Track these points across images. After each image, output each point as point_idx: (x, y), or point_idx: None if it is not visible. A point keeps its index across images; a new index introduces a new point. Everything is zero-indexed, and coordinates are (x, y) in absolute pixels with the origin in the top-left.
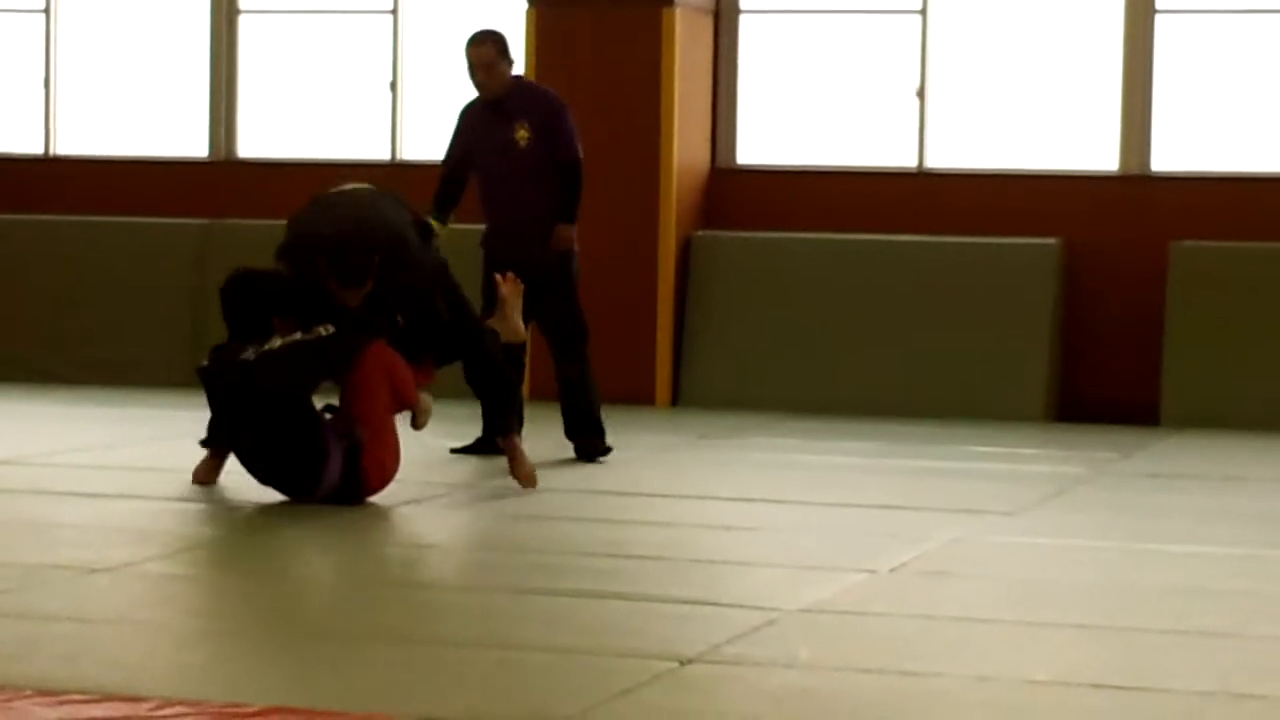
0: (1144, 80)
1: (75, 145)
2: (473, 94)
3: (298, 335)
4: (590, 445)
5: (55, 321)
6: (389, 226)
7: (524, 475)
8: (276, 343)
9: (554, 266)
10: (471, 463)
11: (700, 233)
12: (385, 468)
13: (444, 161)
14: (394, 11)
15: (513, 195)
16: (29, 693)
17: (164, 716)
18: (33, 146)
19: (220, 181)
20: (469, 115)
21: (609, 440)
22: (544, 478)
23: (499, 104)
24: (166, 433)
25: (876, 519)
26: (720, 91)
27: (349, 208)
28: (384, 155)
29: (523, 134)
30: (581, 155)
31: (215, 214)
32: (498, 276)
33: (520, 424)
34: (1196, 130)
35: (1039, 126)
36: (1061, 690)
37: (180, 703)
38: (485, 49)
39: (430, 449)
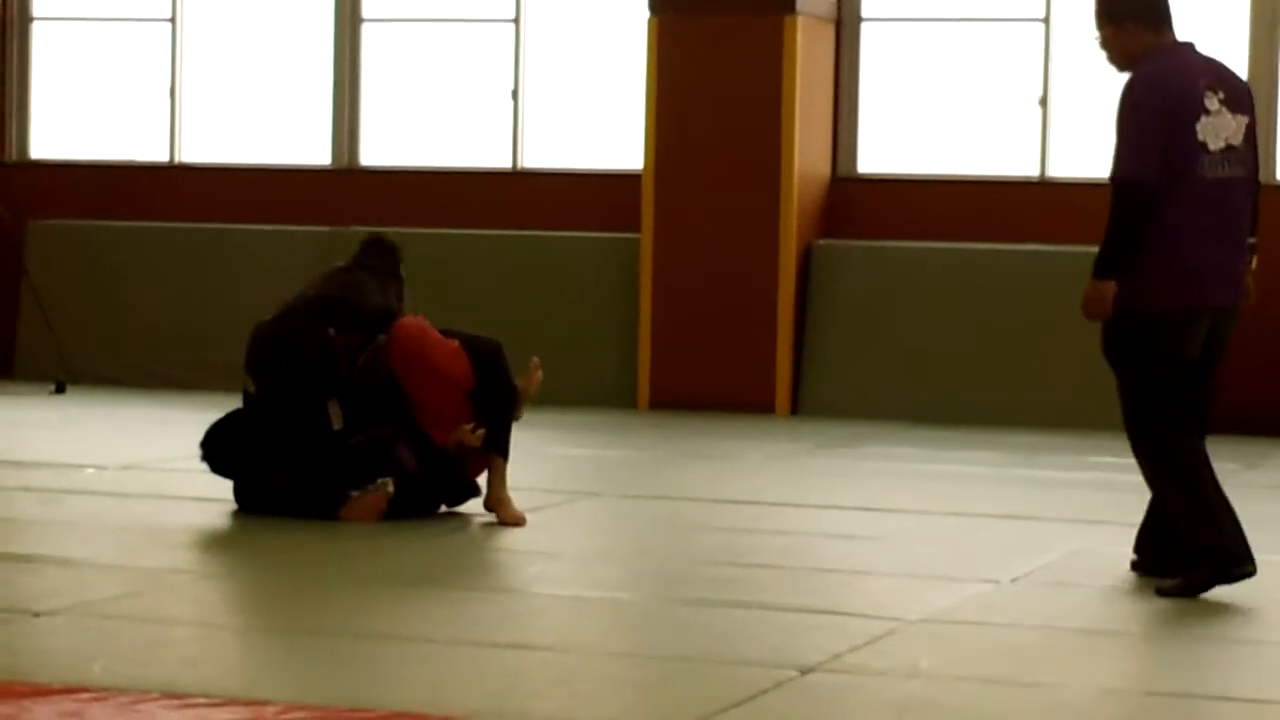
0: (1269, 87)
1: (200, 153)
2: None
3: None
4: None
5: (178, 327)
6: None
7: (515, 518)
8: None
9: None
10: (594, 471)
11: (821, 241)
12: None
13: None
14: (516, 20)
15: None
16: (154, 695)
17: None
18: (158, 154)
19: (343, 189)
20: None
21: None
22: (667, 484)
23: None
24: None
25: (998, 529)
26: (841, 100)
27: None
28: (505, 164)
29: None
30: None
31: (338, 222)
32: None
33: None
34: None
35: None
36: (1186, 703)
37: (304, 707)
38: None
39: (554, 458)
